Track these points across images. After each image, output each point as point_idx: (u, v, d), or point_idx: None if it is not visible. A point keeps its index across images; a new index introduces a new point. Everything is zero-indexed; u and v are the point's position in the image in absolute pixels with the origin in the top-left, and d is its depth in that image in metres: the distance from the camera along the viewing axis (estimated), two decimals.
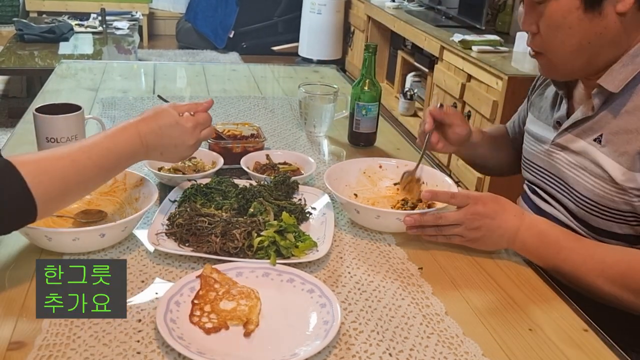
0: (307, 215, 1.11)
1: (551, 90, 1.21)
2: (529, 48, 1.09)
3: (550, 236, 1.00)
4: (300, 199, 1.15)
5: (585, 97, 1.10)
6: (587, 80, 1.09)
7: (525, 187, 1.28)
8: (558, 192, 1.14)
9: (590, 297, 0.98)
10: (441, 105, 1.20)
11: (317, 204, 1.15)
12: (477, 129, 1.34)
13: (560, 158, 1.12)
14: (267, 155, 1.32)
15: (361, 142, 1.51)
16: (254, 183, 1.16)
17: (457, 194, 1.03)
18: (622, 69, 1.00)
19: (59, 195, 0.87)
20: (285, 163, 1.31)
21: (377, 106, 1.48)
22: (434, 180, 1.19)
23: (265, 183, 1.17)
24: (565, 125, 1.11)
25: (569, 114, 1.12)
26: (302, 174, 1.26)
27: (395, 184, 1.23)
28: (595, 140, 1.04)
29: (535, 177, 1.21)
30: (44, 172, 0.84)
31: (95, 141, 0.92)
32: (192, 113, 1.05)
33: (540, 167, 1.19)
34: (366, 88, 1.45)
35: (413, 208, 1.13)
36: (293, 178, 1.19)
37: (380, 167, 1.26)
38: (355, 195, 1.20)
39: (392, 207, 1.16)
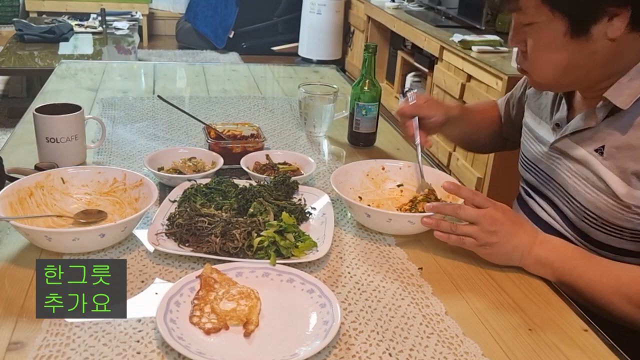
0: (307, 215, 1.11)
1: None
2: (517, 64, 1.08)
3: (566, 252, 0.97)
4: (300, 199, 1.15)
5: (585, 104, 1.07)
6: (584, 92, 1.07)
7: (521, 189, 1.26)
8: (557, 198, 1.12)
9: (606, 317, 0.94)
10: (404, 94, 1.20)
11: (317, 204, 1.15)
12: (456, 105, 1.35)
13: (560, 163, 1.10)
14: (267, 155, 1.32)
15: (361, 142, 1.51)
16: (254, 183, 1.16)
17: (480, 194, 1.00)
18: (630, 83, 0.97)
19: None
20: (285, 163, 1.31)
21: (377, 106, 1.48)
22: (438, 180, 1.18)
23: (265, 183, 1.17)
24: (565, 131, 1.08)
25: (569, 117, 1.10)
26: (302, 174, 1.26)
27: (398, 186, 1.23)
28: (596, 150, 1.01)
29: (535, 178, 1.19)
30: None
31: None
32: None
33: (541, 169, 1.16)
34: (366, 88, 1.45)
35: (422, 211, 1.12)
36: (293, 178, 1.19)
37: (383, 169, 1.25)
38: (360, 197, 1.19)
39: (397, 209, 1.16)
